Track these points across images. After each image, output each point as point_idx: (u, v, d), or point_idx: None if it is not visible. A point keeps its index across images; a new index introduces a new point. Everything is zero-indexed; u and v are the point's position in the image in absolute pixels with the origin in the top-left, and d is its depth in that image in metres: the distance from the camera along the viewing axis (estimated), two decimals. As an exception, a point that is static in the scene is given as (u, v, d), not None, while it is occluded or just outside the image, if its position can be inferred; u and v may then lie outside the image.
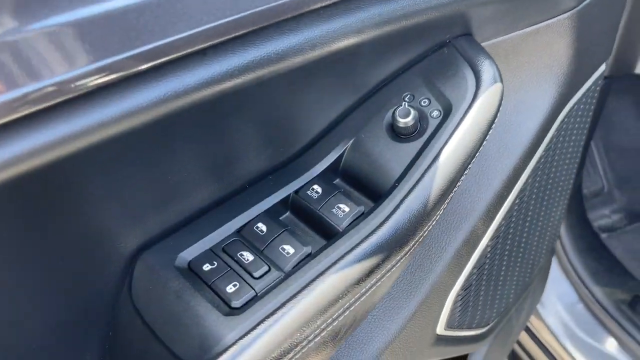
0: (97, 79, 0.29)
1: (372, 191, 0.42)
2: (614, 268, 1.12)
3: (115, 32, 0.29)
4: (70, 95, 0.28)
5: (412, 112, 0.41)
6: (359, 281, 0.38)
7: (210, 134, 0.36)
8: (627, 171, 1.27)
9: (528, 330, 1.07)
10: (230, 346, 0.33)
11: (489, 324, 0.69)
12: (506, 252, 0.62)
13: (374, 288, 0.40)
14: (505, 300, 0.70)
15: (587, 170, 1.24)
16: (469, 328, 0.64)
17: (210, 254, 0.38)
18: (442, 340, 0.59)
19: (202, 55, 0.32)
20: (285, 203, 0.42)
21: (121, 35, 0.29)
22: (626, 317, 1.00)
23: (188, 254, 0.38)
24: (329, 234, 0.40)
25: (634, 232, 1.21)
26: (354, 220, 0.40)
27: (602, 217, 1.22)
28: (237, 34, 0.33)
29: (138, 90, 0.30)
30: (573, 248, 1.08)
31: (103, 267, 0.37)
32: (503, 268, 0.64)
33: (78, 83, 0.28)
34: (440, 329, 0.57)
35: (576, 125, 0.63)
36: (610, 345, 1.02)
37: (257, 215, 0.40)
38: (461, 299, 0.57)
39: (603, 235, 1.19)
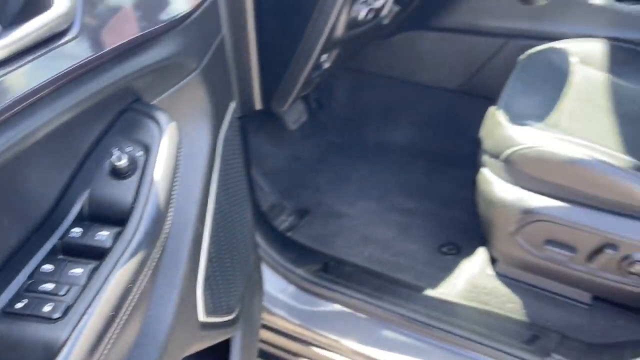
0: None
1: (119, 218, 0.58)
2: (304, 253, 1.46)
3: None
4: None
5: (124, 156, 0.59)
6: (136, 273, 0.54)
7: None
8: (284, 185, 1.66)
9: (265, 326, 1.32)
10: (67, 340, 0.45)
11: (234, 310, 0.89)
12: (225, 247, 0.84)
13: (146, 278, 0.56)
14: (238, 288, 0.91)
15: (262, 190, 1.58)
16: (222, 314, 0.83)
17: (16, 296, 0.48)
18: (206, 326, 0.77)
19: None
20: (54, 251, 0.54)
21: None
22: (325, 279, 1.34)
23: None
24: (101, 253, 0.54)
25: (306, 224, 1.58)
26: (115, 238, 0.55)
27: (282, 222, 1.56)
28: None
29: None
30: (272, 249, 1.37)
31: None
32: (227, 260, 0.85)
33: None
34: (202, 316, 0.75)
35: (233, 155, 0.90)
36: (326, 305, 1.34)
37: (37, 264, 0.52)
38: (207, 289, 0.76)
39: (289, 234, 1.53)
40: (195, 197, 0.72)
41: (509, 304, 1.25)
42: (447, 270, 1.39)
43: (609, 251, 1.06)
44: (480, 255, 1.36)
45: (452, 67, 1.69)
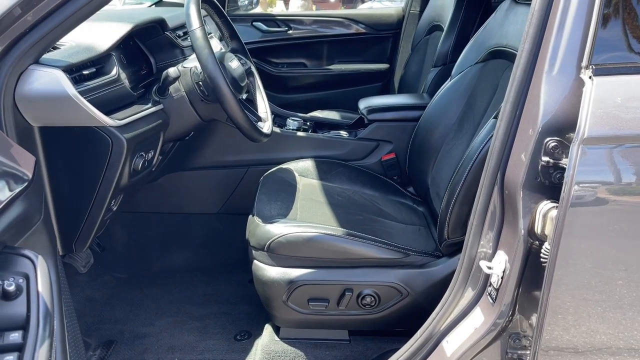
0: None
1: (19, 326, 0.81)
2: None
3: None
4: None
5: (11, 283, 0.83)
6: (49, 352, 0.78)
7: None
8: (82, 326, 1.82)
9: None
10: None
11: None
12: None
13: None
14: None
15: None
16: None
17: None
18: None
19: None
20: None
21: None
22: None
23: None
24: (19, 347, 0.77)
25: (114, 352, 1.75)
26: (24, 336, 0.79)
27: (91, 356, 1.71)
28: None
29: None
30: None
31: None
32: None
33: None
34: None
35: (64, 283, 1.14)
36: None
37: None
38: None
39: None
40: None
41: (296, 357, 1.63)
42: (245, 350, 1.73)
43: (348, 294, 1.54)
44: (268, 329, 1.73)
45: (211, 195, 2.13)
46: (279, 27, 2.99)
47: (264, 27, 2.97)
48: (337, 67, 3.06)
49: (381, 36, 3.06)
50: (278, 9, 9.00)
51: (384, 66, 3.07)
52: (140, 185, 1.87)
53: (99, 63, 1.44)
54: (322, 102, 2.98)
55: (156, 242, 2.15)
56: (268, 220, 1.59)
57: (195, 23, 1.45)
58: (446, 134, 1.89)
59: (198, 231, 2.16)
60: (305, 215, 1.65)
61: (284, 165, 1.98)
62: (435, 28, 2.56)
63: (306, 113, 2.70)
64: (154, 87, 1.58)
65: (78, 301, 1.94)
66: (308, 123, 2.35)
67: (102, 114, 1.31)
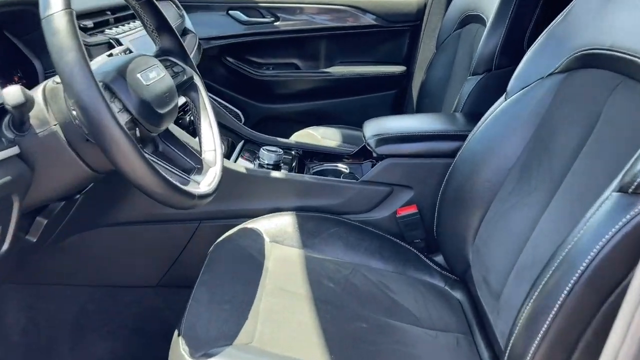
0: None
1: None
2: None
3: None
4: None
5: None
6: None
7: None
8: None
9: None
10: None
11: None
12: None
13: None
14: None
15: None
16: None
17: None
18: None
19: None
20: None
21: None
22: None
23: None
24: None
25: None
26: None
27: None
28: None
29: None
30: None
31: None
32: None
33: None
34: None
35: None
36: None
37: None
38: None
39: None
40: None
41: None
42: None
43: None
44: None
45: (146, 262, 1.46)
46: (263, 16, 2.30)
47: (243, 16, 2.28)
48: (338, 70, 2.37)
49: (396, 29, 2.36)
50: None
51: (399, 69, 2.38)
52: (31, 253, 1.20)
53: None
54: (318, 115, 2.31)
55: (66, 326, 1.48)
56: (200, 349, 0.92)
57: (55, 4, 0.77)
58: (499, 183, 1.21)
59: (127, 311, 1.49)
60: (267, 336, 0.97)
61: (249, 224, 1.31)
62: (470, 19, 1.87)
63: (297, 130, 2.04)
64: (6, 118, 0.90)
65: None
66: (293, 152, 1.67)
67: None
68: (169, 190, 0.87)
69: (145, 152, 0.93)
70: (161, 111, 0.96)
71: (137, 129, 0.92)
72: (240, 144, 1.65)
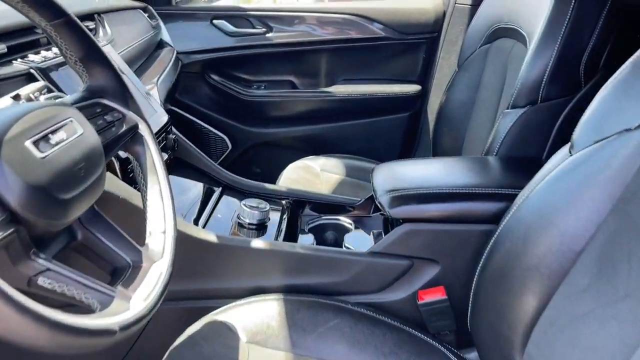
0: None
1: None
2: None
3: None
4: None
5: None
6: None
7: None
8: None
9: None
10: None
11: None
12: None
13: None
14: None
15: None
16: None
17: None
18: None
19: None
20: None
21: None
22: None
23: None
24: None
25: None
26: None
27: None
28: None
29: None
30: None
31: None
32: None
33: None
34: None
35: None
36: None
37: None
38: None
39: None
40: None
41: None
42: None
43: None
44: None
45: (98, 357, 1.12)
46: (254, 27, 1.96)
47: (229, 27, 1.95)
48: (341, 90, 2.03)
49: (409, 42, 2.02)
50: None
51: (413, 88, 2.04)
52: None
53: None
54: (317, 142, 1.98)
55: None
56: None
57: None
58: (564, 270, 0.87)
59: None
60: None
61: (219, 316, 0.97)
62: (502, 32, 1.53)
63: (293, 160, 1.72)
64: None
65: None
66: (284, 202, 1.33)
67: None
68: (60, 335, 0.53)
69: (40, 259, 0.60)
70: (67, 196, 0.62)
71: (23, 229, 0.59)
72: (218, 191, 1.31)
